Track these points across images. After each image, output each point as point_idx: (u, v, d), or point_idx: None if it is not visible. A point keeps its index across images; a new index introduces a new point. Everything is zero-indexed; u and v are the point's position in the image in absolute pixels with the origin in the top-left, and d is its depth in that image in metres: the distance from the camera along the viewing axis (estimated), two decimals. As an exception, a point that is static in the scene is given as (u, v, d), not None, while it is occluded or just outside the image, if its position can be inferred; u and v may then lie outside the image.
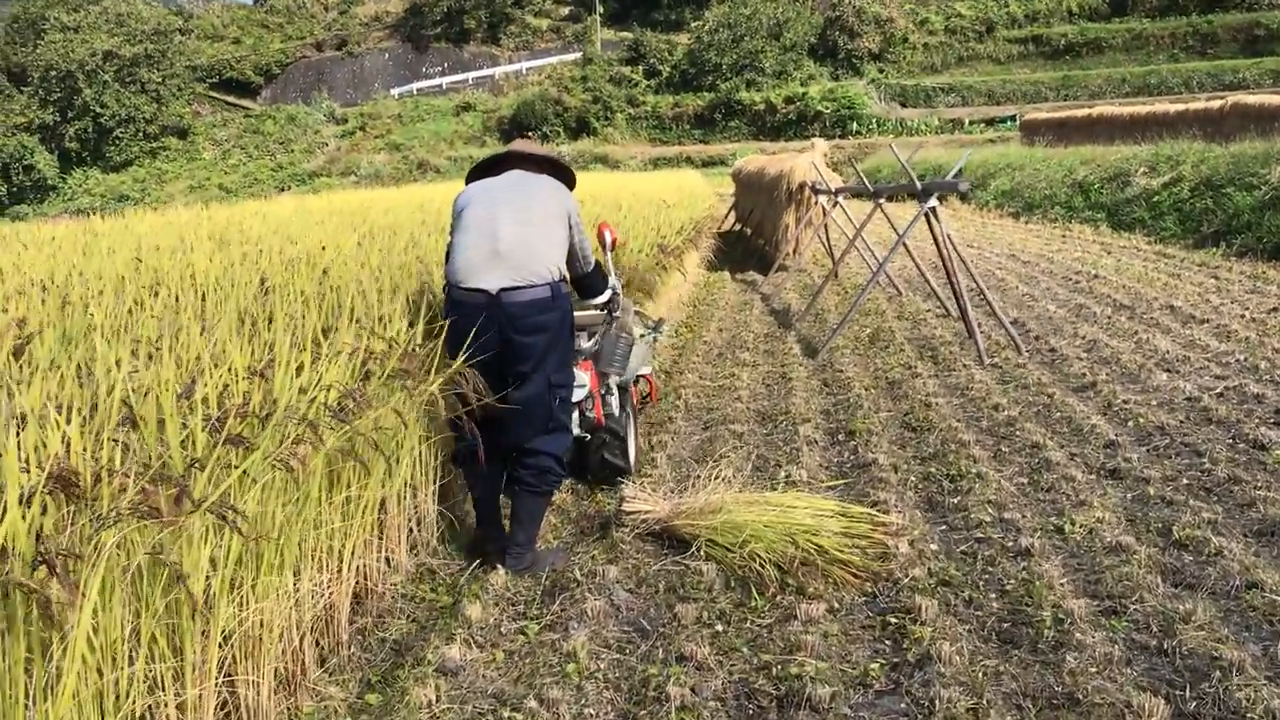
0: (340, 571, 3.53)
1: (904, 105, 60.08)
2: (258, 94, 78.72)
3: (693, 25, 66.70)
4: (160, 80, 71.10)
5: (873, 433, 6.24)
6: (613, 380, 5.36)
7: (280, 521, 2.93)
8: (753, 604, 3.96)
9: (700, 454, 6.02)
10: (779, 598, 4.00)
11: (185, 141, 72.47)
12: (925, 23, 65.16)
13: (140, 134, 69.86)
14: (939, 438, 6.08)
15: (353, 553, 3.67)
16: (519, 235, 4.17)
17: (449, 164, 62.10)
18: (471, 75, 74.14)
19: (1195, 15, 58.05)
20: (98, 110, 67.96)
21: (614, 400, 5.34)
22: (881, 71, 63.42)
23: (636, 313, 6.02)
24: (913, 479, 5.42)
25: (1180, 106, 27.45)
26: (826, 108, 58.32)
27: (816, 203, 13.25)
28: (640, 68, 67.82)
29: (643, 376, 6.64)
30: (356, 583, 3.81)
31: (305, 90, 77.37)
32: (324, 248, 6.73)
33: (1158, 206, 16.73)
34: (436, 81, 74.92)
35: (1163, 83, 52.90)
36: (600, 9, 73.29)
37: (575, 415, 5.05)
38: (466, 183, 4.64)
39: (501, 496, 4.64)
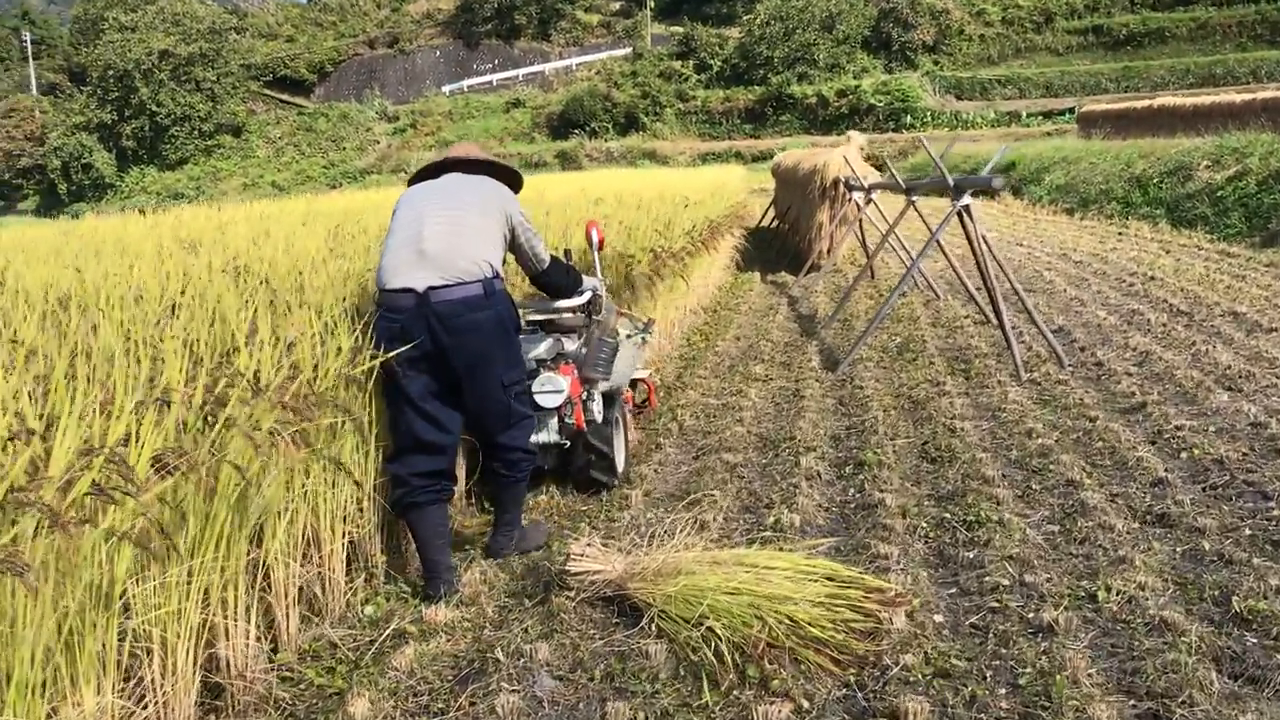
0: (175, 668, 2.84)
1: (959, 98, 58.79)
2: (311, 92, 79.01)
3: (744, 18, 65.77)
4: (215, 79, 71.71)
5: (885, 465, 5.46)
6: (600, 386, 5.09)
7: (42, 631, 2.24)
8: (702, 701, 3.21)
9: (685, 489, 5.28)
10: (736, 692, 3.24)
11: (239, 139, 72.89)
12: (981, 14, 63.71)
13: (195, 132, 70.37)
14: (960, 472, 5.29)
15: (199, 639, 2.98)
16: (445, 234, 4.06)
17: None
18: (522, 71, 74.02)
19: (1264, 2, 56.04)
20: (154, 109, 68.52)
21: (596, 406, 5.04)
22: (936, 64, 62.11)
23: (622, 314, 5.73)
24: (923, 526, 4.63)
25: (1247, 96, 26.17)
26: (879, 101, 57.25)
27: (850, 199, 12.42)
28: (690, 62, 67.09)
29: (640, 381, 6.40)
30: (207, 675, 3.12)
31: (358, 88, 77.62)
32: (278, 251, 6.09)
33: (1222, 202, 15.68)
34: (487, 78, 74.85)
35: (1229, 72, 51.14)
36: (651, 3, 72.56)
37: (554, 421, 4.85)
38: (409, 186, 4.53)
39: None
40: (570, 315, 5.07)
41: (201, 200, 51.15)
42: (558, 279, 4.80)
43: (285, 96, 78.27)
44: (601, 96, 65.08)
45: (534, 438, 4.69)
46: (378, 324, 4.03)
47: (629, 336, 5.57)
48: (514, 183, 4.65)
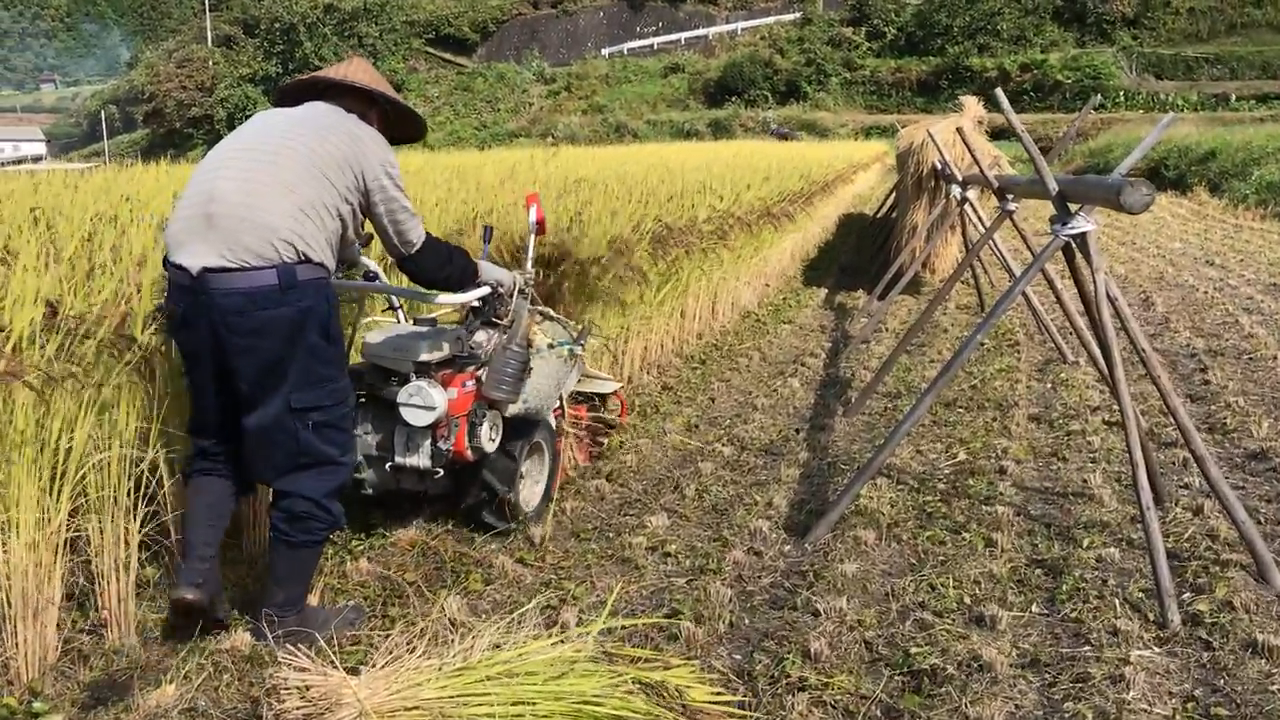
0: None
1: (1159, 77, 52.74)
2: (473, 51, 78.51)
3: (926, -19, 61.00)
4: (377, 35, 72.27)
5: None
6: (512, 409, 4.00)
7: None
8: None
9: None
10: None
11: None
12: (1193, -17, 57.12)
13: (355, 88, 71.21)
14: None
15: None
16: (244, 193, 3.04)
17: (647, 128, 58.96)
18: (684, 35, 72.40)
19: None
20: (317, 63, 68.61)
21: (486, 431, 3.87)
22: (1135, 39, 56.11)
23: (549, 317, 4.48)
24: None
25: None
26: (1067, 78, 52.02)
27: (949, 196, 8.44)
28: (863, 29, 62.96)
29: (609, 396, 5.16)
30: None
31: (519, 48, 76.89)
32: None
33: None
34: (648, 41, 73.62)
35: None
36: (827, -36, 68.45)
37: (426, 444, 3.81)
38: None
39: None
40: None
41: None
42: (429, 268, 3.57)
43: (447, 55, 77.85)
44: (763, 63, 61.86)
45: (403, 459, 3.84)
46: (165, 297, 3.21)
47: (551, 348, 4.33)
48: (408, 129, 3.64)
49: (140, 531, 3.20)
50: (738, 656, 3.21)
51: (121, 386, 3.17)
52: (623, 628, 3.23)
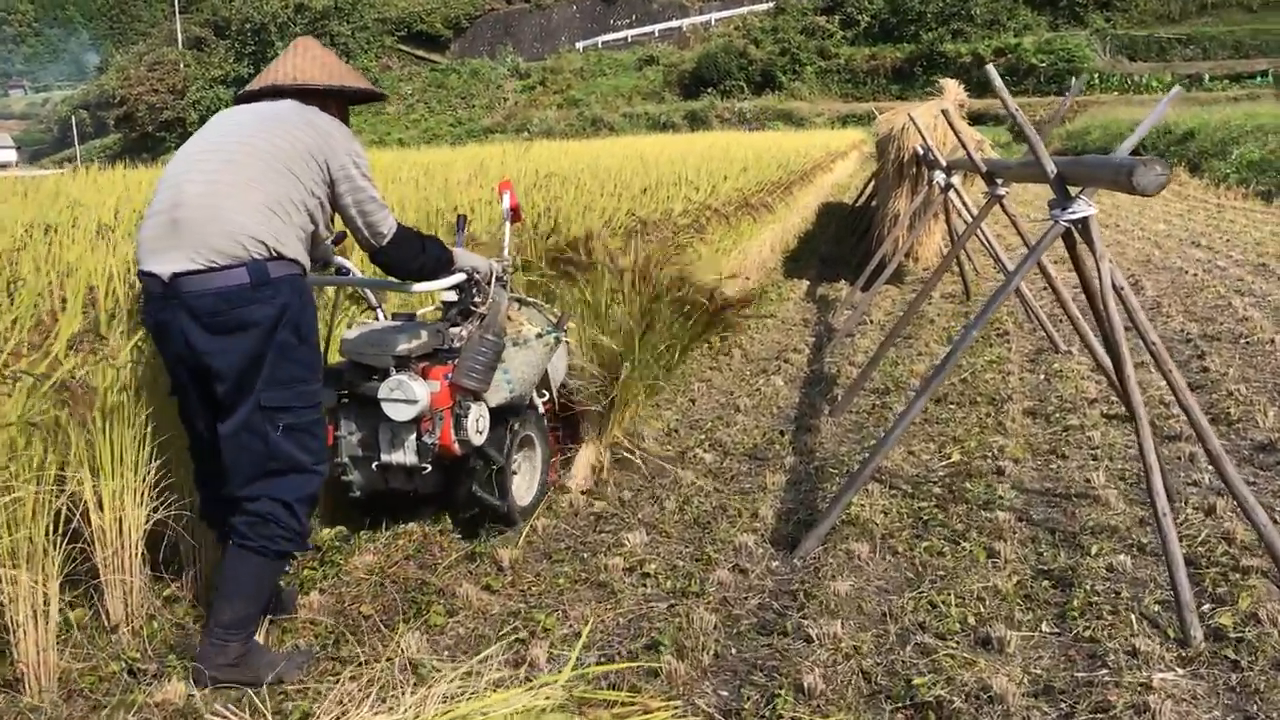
0: None
1: (1132, 59, 52.84)
2: (446, 48, 78.13)
3: (900, -31, 60.89)
4: (349, 33, 71.83)
5: None
6: (496, 397, 3.83)
7: None
8: None
9: None
10: None
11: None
12: (1165, -36, 57.17)
13: (327, 88, 71.35)
14: None
15: None
16: (209, 194, 2.95)
17: (623, 121, 58.74)
18: (658, 27, 72.25)
19: None
20: (288, 64, 68.26)
21: (472, 422, 3.71)
22: (1108, 21, 56.17)
23: (528, 303, 4.31)
24: None
25: None
26: (1041, 61, 52.03)
27: (932, 182, 8.16)
28: (836, 17, 62.73)
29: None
30: None
31: (492, 44, 76.46)
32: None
33: None
34: (622, 34, 73.12)
35: None
36: (801, -48, 68.31)
37: (410, 438, 3.73)
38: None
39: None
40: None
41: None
42: (403, 259, 3.45)
43: (420, 52, 77.43)
44: (737, 53, 61.64)
45: (389, 457, 3.76)
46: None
47: (539, 337, 4.11)
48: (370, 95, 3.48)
49: (60, 573, 2.89)
50: (724, 693, 2.93)
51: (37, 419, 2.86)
52: (597, 666, 2.95)
